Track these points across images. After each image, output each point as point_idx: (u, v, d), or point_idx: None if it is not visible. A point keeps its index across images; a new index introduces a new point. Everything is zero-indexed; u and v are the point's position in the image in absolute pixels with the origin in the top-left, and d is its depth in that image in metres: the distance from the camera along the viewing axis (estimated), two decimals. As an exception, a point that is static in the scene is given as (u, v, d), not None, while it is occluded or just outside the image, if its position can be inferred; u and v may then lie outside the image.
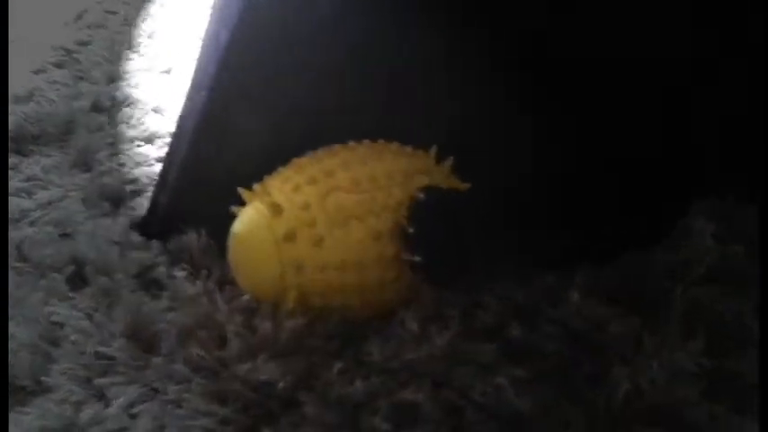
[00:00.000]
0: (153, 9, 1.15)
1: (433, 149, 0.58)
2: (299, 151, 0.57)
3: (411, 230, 0.53)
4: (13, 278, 0.59)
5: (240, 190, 0.55)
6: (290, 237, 0.52)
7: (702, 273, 0.55)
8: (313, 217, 0.52)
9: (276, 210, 0.53)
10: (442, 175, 0.57)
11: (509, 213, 0.57)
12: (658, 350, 0.49)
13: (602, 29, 0.57)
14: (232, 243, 0.54)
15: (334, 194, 0.53)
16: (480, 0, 0.57)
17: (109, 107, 0.86)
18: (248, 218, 0.53)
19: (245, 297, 0.54)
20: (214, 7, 0.64)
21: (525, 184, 0.59)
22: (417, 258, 0.53)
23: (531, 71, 0.59)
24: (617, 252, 0.58)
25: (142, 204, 0.68)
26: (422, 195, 0.54)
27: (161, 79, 0.95)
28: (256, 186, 0.55)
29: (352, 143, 0.57)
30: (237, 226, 0.54)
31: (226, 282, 0.57)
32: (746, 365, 0.49)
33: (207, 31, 0.64)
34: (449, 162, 0.58)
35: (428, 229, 0.54)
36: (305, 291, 0.53)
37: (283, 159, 0.56)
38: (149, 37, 1.06)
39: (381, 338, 0.53)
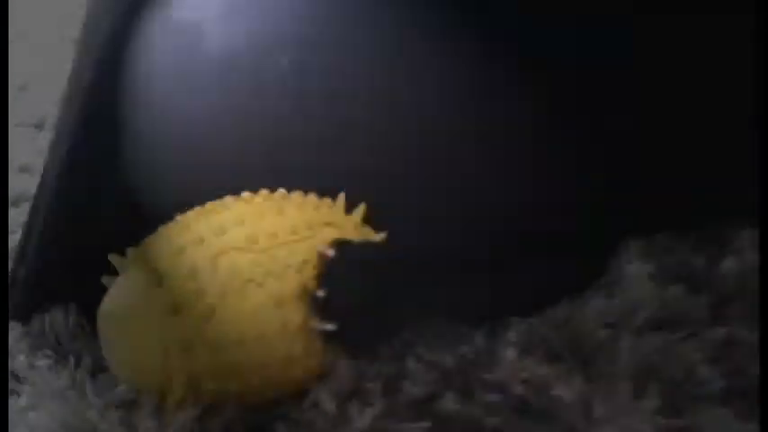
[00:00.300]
0: (24, 58, 1.05)
1: (341, 198, 0.51)
2: (182, 207, 0.48)
3: (320, 293, 0.46)
4: None
5: (111, 256, 0.46)
6: (173, 310, 0.44)
7: (644, 320, 0.50)
8: (201, 285, 0.44)
9: (156, 278, 0.44)
10: (352, 227, 0.50)
11: (430, 267, 0.51)
12: (612, 415, 0.43)
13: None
14: (103, 322, 0.45)
15: (226, 256, 0.45)
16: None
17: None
18: (121, 290, 0.45)
19: (122, 388, 0.45)
20: (79, 43, 0.55)
21: (445, 233, 0.52)
22: (329, 326, 0.45)
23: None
24: (545, 301, 0.52)
25: (3, 282, 0.58)
26: (331, 251, 0.46)
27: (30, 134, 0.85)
28: (131, 251, 0.46)
29: (246, 194, 0.49)
30: (108, 301, 0.44)
31: (99, 369, 0.47)
32: (704, 419, 0.44)
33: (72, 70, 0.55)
34: (359, 211, 0.51)
35: (341, 289, 0.46)
36: (195, 375, 0.44)
37: (164, 217, 0.48)
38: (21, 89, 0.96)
39: (291, 424, 0.45)
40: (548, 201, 0.55)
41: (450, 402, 0.45)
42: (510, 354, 0.48)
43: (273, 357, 0.45)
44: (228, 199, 0.49)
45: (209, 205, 0.49)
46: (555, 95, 0.53)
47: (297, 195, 0.50)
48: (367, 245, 0.49)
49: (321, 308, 0.45)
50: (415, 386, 0.47)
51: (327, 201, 0.51)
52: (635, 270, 0.53)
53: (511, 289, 0.52)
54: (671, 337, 0.48)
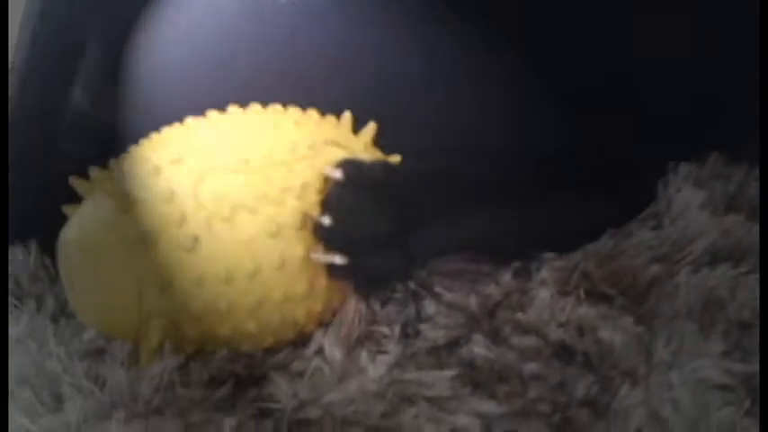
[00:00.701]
0: None
1: (347, 116, 0.43)
2: (158, 124, 0.41)
3: (326, 220, 0.38)
4: None
5: (74, 180, 0.39)
6: (148, 241, 0.36)
7: (702, 252, 0.43)
8: (181, 211, 0.37)
9: (126, 203, 0.37)
10: (360, 147, 0.43)
11: (451, 194, 0.44)
12: (675, 359, 0.36)
13: None
14: (63, 255, 0.38)
15: (211, 177, 0.38)
16: None
17: None
18: (85, 218, 0.37)
19: (89, 334, 0.38)
20: None
21: (469, 158, 0.45)
22: (337, 259, 0.38)
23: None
24: (583, 236, 0.45)
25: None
26: (338, 172, 0.39)
27: None
28: (96, 173, 0.39)
29: (233, 108, 0.42)
30: (69, 230, 0.37)
31: (63, 314, 0.40)
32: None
33: None
34: (369, 131, 0.43)
35: (350, 217, 0.39)
36: (175, 318, 0.37)
37: (137, 134, 0.40)
38: None
39: (291, 376, 0.38)
40: (575, 126, 0.47)
41: (478, 347, 0.38)
42: (544, 294, 0.41)
43: (270, 297, 0.38)
44: (213, 114, 0.42)
45: (191, 121, 0.41)
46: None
47: (294, 110, 0.43)
48: (379, 165, 0.41)
49: (326, 238, 0.38)
50: (436, 330, 0.40)
51: (331, 118, 0.43)
52: (686, 198, 0.46)
53: (543, 221, 0.45)
54: (734, 270, 0.41)
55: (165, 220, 0.37)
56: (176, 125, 0.41)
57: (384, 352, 0.39)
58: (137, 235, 0.36)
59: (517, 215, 0.45)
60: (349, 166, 0.40)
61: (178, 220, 0.37)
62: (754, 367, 0.37)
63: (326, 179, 0.40)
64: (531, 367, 0.37)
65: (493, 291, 0.42)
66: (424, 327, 0.40)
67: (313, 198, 0.39)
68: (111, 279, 0.36)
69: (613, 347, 0.37)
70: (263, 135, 0.40)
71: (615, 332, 0.38)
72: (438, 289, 0.42)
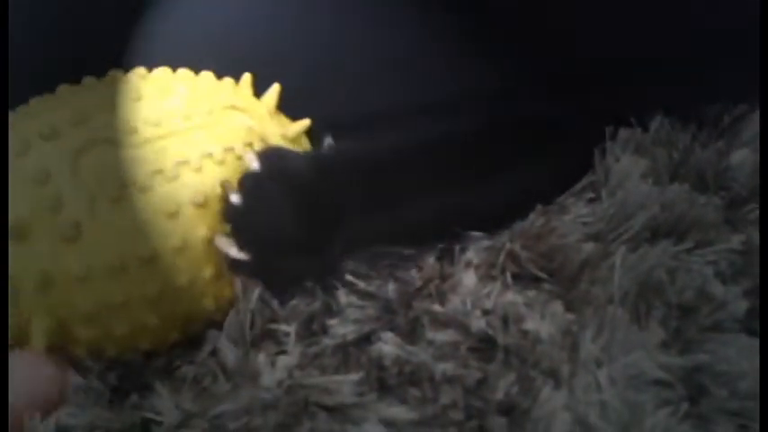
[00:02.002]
0: None
1: (246, 78, 0.39)
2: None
3: (235, 199, 0.35)
4: None
5: None
6: (21, 233, 0.32)
7: (640, 228, 0.39)
8: (57, 193, 0.32)
9: None
10: (263, 112, 0.38)
11: (367, 174, 0.39)
12: (605, 354, 0.32)
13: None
14: None
15: (92, 152, 0.33)
16: None
17: None
18: None
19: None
20: None
21: (399, 141, 0.40)
22: (239, 254, 0.34)
23: None
24: (510, 212, 0.41)
25: None
26: (255, 163, 0.35)
27: None
28: None
29: (111, 73, 0.37)
30: None
31: None
32: (723, 353, 0.33)
33: None
34: (273, 93, 0.39)
35: (263, 208, 0.35)
36: (62, 317, 0.32)
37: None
38: None
39: (176, 384, 0.33)
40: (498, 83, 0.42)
41: (388, 345, 0.34)
42: (468, 279, 0.37)
43: (172, 284, 0.34)
44: (88, 79, 0.37)
45: (63, 88, 0.36)
46: None
47: (186, 72, 0.38)
48: (304, 159, 0.37)
49: (233, 220, 0.35)
50: (344, 326, 0.35)
51: (229, 80, 0.39)
52: (626, 167, 0.41)
53: (468, 202, 0.41)
54: (675, 248, 0.37)
55: (38, 206, 0.32)
56: (46, 95, 0.36)
57: (284, 352, 0.34)
58: (10, 224, 0.31)
59: (439, 196, 0.41)
60: (269, 157, 0.36)
61: (54, 204, 0.32)
62: (696, 360, 0.33)
63: (228, 151, 0.35)
64: (445, 367, 0.32)
65: (413, 277, 0.38)
66: (332, 322, 0.36)
67: (214, 172, 0.35)
68: None
69: (538, 340, 0.33)
70: (151, 102, 0.35)
71: (542, 322, 0.34)
72: (351, 278, 0.37)
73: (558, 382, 0.31)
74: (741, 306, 0.35)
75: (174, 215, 0.34)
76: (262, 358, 0.34)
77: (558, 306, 0.35)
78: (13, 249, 0.32)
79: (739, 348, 0.33)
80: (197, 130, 0.35)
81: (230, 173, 0.35)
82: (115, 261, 0.32)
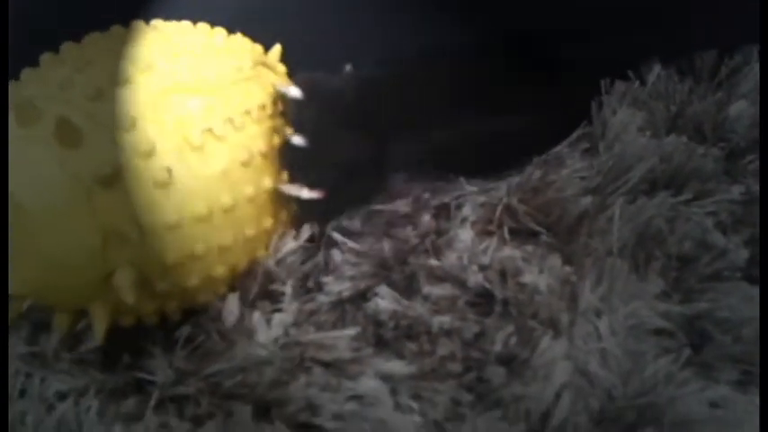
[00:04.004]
0: None
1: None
2: None
3: (297, 140, 0.35)
4: None
5: None
6: (110, 180, 0.30)
7: (638, 180, 0.38)
8: (146, 138, 0.31)
9: (69, 135, 0.30)
10: (283, 71, 0.38)
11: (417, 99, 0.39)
12: (604, 304, 0.32)
13: None
14: None
15: (171, 99, 0.32)
16: None
17: None
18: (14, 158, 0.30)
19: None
20: None
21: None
22: (311, 194, 0.34)
23: None
24: (506, 160, 0.40)
25: None
26: (295, 90, 0.35)
27: None
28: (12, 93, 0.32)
29: (157, 22, 0.37)
30: None
31: None
32: (723, 302, 0.33)
33: None
34: (275, 53, 0.39)
35: (319, 137, 0.35)
36: (144, 271, 0.31)
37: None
38: None
39: (168, 344, 0.33)
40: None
41: (385, 300, 0.33)
42: (465, 234, 0.36)
43: (242, 234, 0.33)
44: (138, 24, 0.36)
45: (117, 29, 0.36)
46: None
47: (219, 29, 0.37)
48: (337, 77, 0.37)
49: (298, 163, 0.35)
50: (339, 283, 0.35)
51: (247, 40, 0.38)
52: (623, 120, 0.40)
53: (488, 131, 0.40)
54: (674, 199, 0.37)
55: (127, 152, 0.30)
56: (97, 34, 0.35)
57: (280, 310, 0.34)
58: (93, 172, 0.30)
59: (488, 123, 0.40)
60: (305, 81, 0.35)
61: (146, 150, 0.31)
62: (697, 308, 0.33)
63: (277, 101, 0.35)
64: (442, 320, 0.32)
65: (409, 234, 0.37)
66: (327, 279, 0.35)
67: (270, 122, 0.35)
68: (63, 230, 0.29)
69: (537, 292, 0.32)
70: (206, 52, 0.35)
71: (540, 275, 0.34)
72: (344, 237, 0.37)
73: (558, 332, 0.31)
74: (742, 255, 0.34)
75: (246, 164, 0.33)
76: (257, 317, 0.33)
77: (556, 259, 0.35)
78: (99, 196, 0.30)
79: (741, 296, 0.33)
80: (249, 81, 0.35)
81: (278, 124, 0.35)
82: (203, 209, 0.32)
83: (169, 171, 0.31)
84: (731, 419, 0.29)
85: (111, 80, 0.32)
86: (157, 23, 0.37)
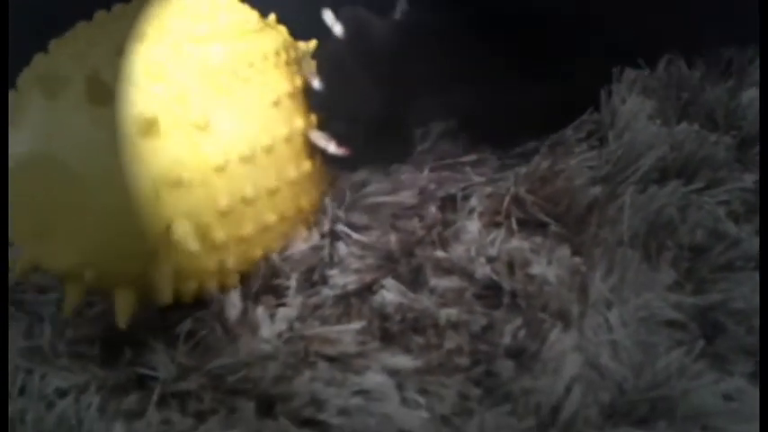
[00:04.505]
0: None
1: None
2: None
3: (316, 84, 0.35)
4: None
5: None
6: (150, 129, 0.30)
7: (649, 169, 0.37)
8: (178, 85, 0.31)
9: (100, 91, 0.30)
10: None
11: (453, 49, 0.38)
12: (615, 296, 0.31)
13: None
14: (28, 180, 0.30)
15: (189, 48, 0.32)
16: None
17: None
18: (44, 125, 0.30)
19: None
20: None
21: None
22: (335, 149, 0.34)
23: None
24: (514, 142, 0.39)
25: None
26: (338, 27, 0.35)
27: None
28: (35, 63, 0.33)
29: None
30: (27, 145, 0.30)
31: None
32: (736, 293, 0.32)
33: None
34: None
35: (347, 83, 0.35)
36: (201, 219, 0.31)
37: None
38: None
39: (170, 339, 0.32)
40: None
41: (391, 293, 0.33)
42: (472, 226, 0.36)
43: (285, 176, 0.33)
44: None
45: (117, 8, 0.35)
46: None
47: None
48: (381, 20, 0.36)
49: (319, 106, 0.35)
50: (344, 276, 0.34)
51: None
52: (633, 108, 0.40)
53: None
54: (685, 188, 0.36)
55: (162, 99, 0.30)
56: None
57: (284, 305, 0.33)
58: (129, 124, 0.29)
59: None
60: (352, 17, 0.35)
61: (180, 95, 0.31)
62: (710, 299, 0.32)
63: (289, 48, 0.36)
64: (449, 313, 0.31)
65: (416, 225, 0.37)
66: (332, 272, 0.35)
67: (287, 67, 0.35)
68: (116, 187, 0.29)
69: (546, 283, 0.32)
70: (214, 10, 0.35)
71: (549, 267, 0.33)
72: (350, 230, 0.36)
73: (568, 324, 0.30)
74: (755, 244, 0.34)
75: (276, 104, 0.33)
76: (261, 311, 0.33)
77: (565, 250, 0.34)
78: (143, 146, 0.30)
79: (754, 286, 0.32)
80: (260, 31, 0.35)
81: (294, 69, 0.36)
82: (246, 150, 0.32)
83: (206, 113, 0.31)
84: (746, 412, 0.28)
85: (130, 37, 0.32)
86: None
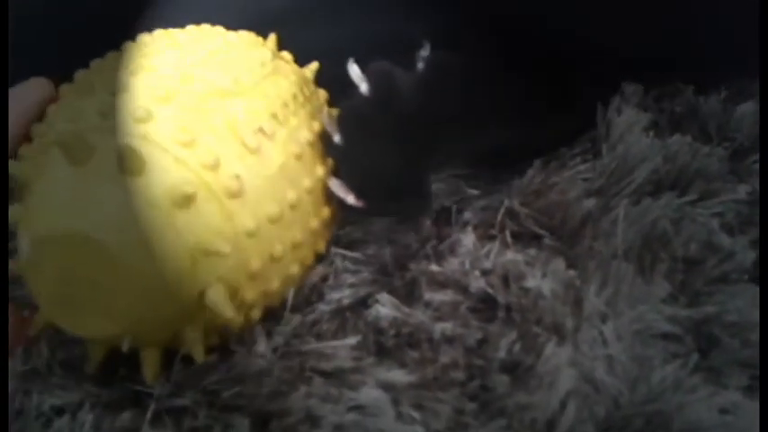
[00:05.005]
0: None
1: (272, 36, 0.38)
2: None
3: (336, 138, 0.34)
4: None
5: (13, 165, 0.31)
6: (184, 201, 0.29)
7: (643, 182, 0.37)
8: (211, 152, 0.30)
9: (130, 163, 0.28)
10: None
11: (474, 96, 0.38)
12: (609, 309, 0.31)
13: None
14: (67, 255, 0.29)
15: (214, 104, 0.31)
16: None
17: None
18: (79, 200, 0.28)
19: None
20: None
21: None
22: (352, 200, 0.34)
23: None
24: (514, 161, 0.39)
25: None
26: (365, 85, 0.34)
27: None
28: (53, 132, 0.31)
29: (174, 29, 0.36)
30: (65, 221, 0.28)
31: None
32: (731, 305, 0.32)
33: None
34: (271, 42, 0.38)
35: (369, 139, 0.34)
36: (233, 283, 0.30)
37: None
38: None
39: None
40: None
41: (385, 307, 0.33)
42: (467, 239, 0.36)
43: (310, 228, 0.33)
44: (160, 32, 0.36)
45: (146, 38, 0.35)
46: None
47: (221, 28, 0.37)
48: (408, 74, 0.36)
49: (337, 158, 0.34)
50: (339, 290, 0.34)
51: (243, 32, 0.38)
52: (628, 120, 0.40)
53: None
54: (679, 200, 0.36)
55: (194, 168, 0.29)
56: (100, 60, 0.35)
57: (280, 323, 0.33)
58: (164, 196, 0.28)
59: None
60: (378, 74, 0.34)
61: (212, 162, 0.30)
62: (704, 312, 0.32)
63: (303, 88, 0.35)
64: (444, 327, 0.31)
65: (410, 239, 0.37)
66: (327, 289, 0.35)
67: (305, 110, 0.35)
68: (152, 259, 0.28)
69: (541, 297, 0.32)
70: (227, 52, 0.35)
71: (544, 280, 0.33)
72: (344, 250, 0.36)
73: (562, 338, 0.30)
74: (749, 256, 0.34)
75: (299, 156, 0.33)
76: (258, 327, 0.33)
77: (559, 263, 0.34)
78: (178, 218, 0.28)
79: (749, 299, 0.32)
80: (274, 75, 0.35)
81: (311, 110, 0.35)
82: (275, 209, 0.31)
83: (238, 178, 0.30)
84: (741, 426, 0.28)
85: (152, 97, 0.30)
86: (160, 32, 0.36)
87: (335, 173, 0.34)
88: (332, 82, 0.37)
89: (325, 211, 0.34)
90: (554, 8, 0.38)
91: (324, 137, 0.34)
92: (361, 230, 0.37)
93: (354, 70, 0.35)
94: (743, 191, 0.37)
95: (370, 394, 0.30)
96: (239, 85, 0.32)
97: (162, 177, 0.28)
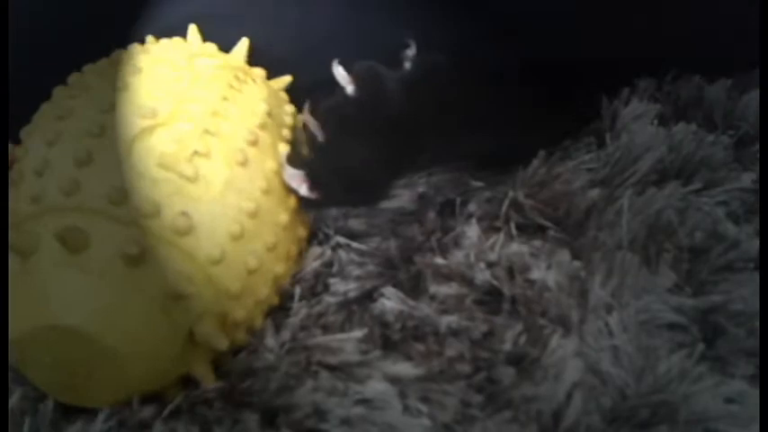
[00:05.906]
0: None
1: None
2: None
3: (320, 137, 0.34)
4: None
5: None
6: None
7: (647, 171, 0.37)
8: (150, 198, 0.29)
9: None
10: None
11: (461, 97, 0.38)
12: (615, 300, 0.31)
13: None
14: (67, 348, 0.28)
15: (150, 138, 0.30)
16: None
17: None
18: (76, 299, 0.27)
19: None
20: None
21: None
22: (310, 193, 0.33)
23: None
24: (517, 156, 0.39)
25: None
26: (351, 86, 0.34)
27: None
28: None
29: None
30: (60, 316, 0.27)
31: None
32: (737, 293, 0.32)
33: None
34: (243, 46, 0.38)
35: (349, 139, 0.34)
36: (222, 309, 0.30)
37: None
38: None
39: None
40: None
41: (391, 300, 0.33)
42: (471, 231, 0.36)
43: (279, 224, 0.33)
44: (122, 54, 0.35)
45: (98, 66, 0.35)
46: None
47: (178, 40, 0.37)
48: (394, 74, 0.36)
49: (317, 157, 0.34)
50: (345, 283, 0.34)
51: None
52: (632, 111, 0.40)
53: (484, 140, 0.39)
54: (684, 189, 0.36)
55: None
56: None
57: (288, 315, 0.33)
58: (113, 261, 0.28)
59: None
60: (365, 75, 0.34)
61: (152, 210, 0.29)
62: (710, 301, 0.32)
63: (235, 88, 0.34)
64: (449, 320, 0.31)
65: (415, 232, 0.37)
66: (333, 280, 0.35)
67: (238, 113, 0.33)
68: (148, 353, 0.28)
69: (546, 288, 0.32)
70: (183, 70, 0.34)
71: (549, 271, 0.33)
72: (349, 237, 0.36)
73: (568, 330, 0.30)
74: (754, 245, 0.34)
75: (243, 162, 0.32)
76: (268, 321, 0.33)
77: (564, 254, 0.34)
78: (135, 276, 0.28)
79: (754, 288, 0.32)
80: (241, 92, 0.34)
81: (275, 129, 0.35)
82: (234, 227, 0.30)
83: (185, 215, 0.29)
84: (747, 415, 0.28)
85: (74, 162, 0.29)
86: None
87: (290, 158, 0.33)
88: (316, 84, 0.36)
89: (292, 201, 0.34)
90: (543, 8, 0.38)
91: (308, 137, 0.34)
92: (365, 223, 0.37)
93: (340, 72, 0.35)
94: (748, 179, 0.37)
95: (376, 387, 0.30)
96: (159, 116, 0.31)
97: (106, 244, 0.28)
